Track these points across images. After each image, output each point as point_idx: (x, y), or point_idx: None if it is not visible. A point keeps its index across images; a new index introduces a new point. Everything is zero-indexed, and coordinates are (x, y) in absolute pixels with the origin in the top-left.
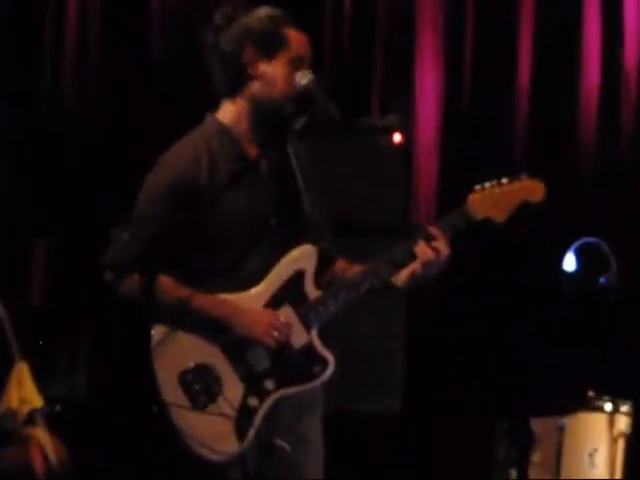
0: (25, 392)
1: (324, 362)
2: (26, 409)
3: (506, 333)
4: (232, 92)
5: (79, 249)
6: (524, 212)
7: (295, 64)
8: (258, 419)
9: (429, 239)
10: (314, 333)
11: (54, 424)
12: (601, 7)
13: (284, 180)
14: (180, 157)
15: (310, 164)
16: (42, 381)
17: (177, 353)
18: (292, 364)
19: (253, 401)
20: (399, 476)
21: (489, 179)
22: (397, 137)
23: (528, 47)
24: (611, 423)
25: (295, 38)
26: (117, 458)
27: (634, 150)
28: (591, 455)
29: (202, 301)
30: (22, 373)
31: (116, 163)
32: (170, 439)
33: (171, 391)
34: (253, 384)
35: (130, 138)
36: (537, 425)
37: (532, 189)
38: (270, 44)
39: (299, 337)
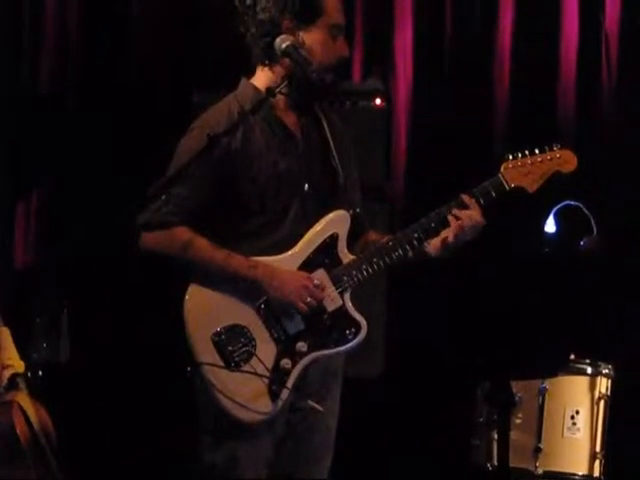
0: (7, 357)
1: (357, 326)
2: (8, 374)
3: (487, 296)
4: (268, 60)
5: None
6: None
7: (333, 32)
8: (291, 380)
9: (461, 207)
10: (347, 297)
11: (36, 389)
12: None
13: (318, 147)
14: (214, 120)
15: (342, 133)
16: (24, 346)
17: (211, 313)
18: (325, 327)
19: (286, 363)
20: (381, 439)
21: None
22: (378, 101)
23: (509, 8)
24: (592, 385)
25: (332, 5)
26: (101, 424)
27: (614, 112)
28: (572, 417)
29: (237, 263)
30: (4, 338)
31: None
32: (203, 398)
33: (205, 351)
34: (286, 346)
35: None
36: (518, 388)
37: (565, 159)
38: (308, 12)
39: (332, 300)
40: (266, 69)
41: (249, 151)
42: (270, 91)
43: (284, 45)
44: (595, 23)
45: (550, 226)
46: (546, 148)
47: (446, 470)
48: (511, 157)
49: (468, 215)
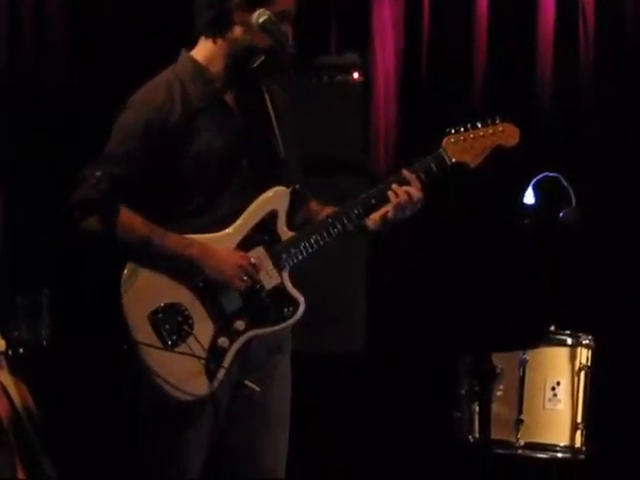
0: None
1: (295, 303)
2: None
3: (467, 268)
4: (213, 33)
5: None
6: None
7: (278, 18)
8: (228, 359)
9: (402, 182)
10: (285, 274)
11: (17, 367)
12: None
13: (258, 122)
14: (152, 96)
15: (285, 105)
16: (4, 325)
17: (148, 292)
18: (263, 305)
19: (223, 341)
20: (363, 412)
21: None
22: (356, 75)
23: None
24: (573, 356)
25: None
26: (82, 402)
27: (591, 86)
28: (553, 388)
29: (172, 241)
30: None
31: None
32: (139, 379)
33: (141, 330)
34: (224, 324)
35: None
36: (499, 360)
37: (507, 133)
38: None
39: (271, 278)
40: (209, 41)
41: (186, 127)
42: (248, 68)
43: (261, 19)
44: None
45: (529, 197)
46: (489, 121)
47: (428, 443)
48: (453, 131)
49: (407, 191)
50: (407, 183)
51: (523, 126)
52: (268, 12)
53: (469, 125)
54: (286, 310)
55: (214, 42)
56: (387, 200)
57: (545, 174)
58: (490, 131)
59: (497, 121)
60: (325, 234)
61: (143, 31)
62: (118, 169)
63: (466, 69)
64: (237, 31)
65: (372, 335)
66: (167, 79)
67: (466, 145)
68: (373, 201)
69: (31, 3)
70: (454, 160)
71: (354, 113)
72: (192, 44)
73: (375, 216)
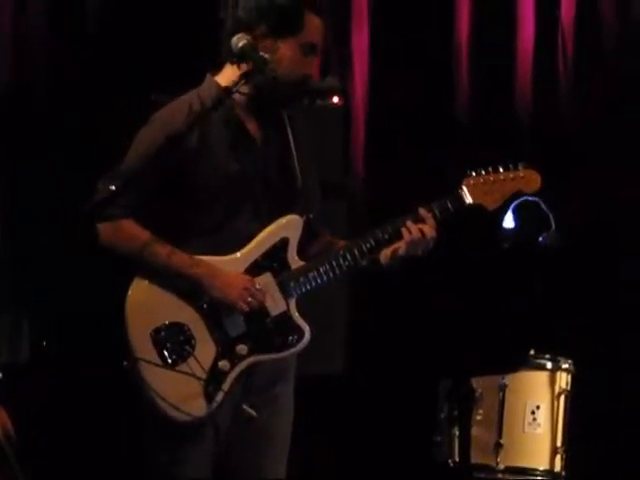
0: None
1: (300, 332)
2: None
3: (447, 292)
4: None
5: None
6: None
7: (305, 50)
8: (228, 383)
9: (417, 220)
10: (292, 303)
11: None
12: None
13: (277, 150)
14: (173, 115)
15: (306, 136)
16: None
17: (152, 309)
18: (267, 331)
19: (224, 364)
20: (343, 436)
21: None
22: (336, 99)
23: (466, 6)
24: (552, 380)
25: (312, 24)
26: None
27: (570, 105)
28: (533, 412)
29: (180, 260)
30: None
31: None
32: (139, 396)
33: (142, 346)
34: (226, 348)
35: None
36: (479, 383)
37: (527, 179)
38: (286, 25)
39: (277, 305)
40: (234, 66)
41: (204, 149)
42: (227, 90)
43: (240, 44)
44: (551, 17)
45: (509, 222)
46: (510, 166)
47: (408, 467)
48: (474, 173)
49: (421, 229)
50: (422, 221)
51: (502, 147)
52: (248, 37)
53: (490, 168)
54: (290, 338)
55: (239, 67)
56: (400, 236)
57: (524, 198)
58: (511, 176)
59: (519, 166)
60: (336, 266)
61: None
62: (133, 183)
63: (446, 94)
64: None
65: (352, 357)
66: (190, 101)
67: (486, 188)
68: (386, 236)
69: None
70: (472, 202)
71: (334, 137)
72: (218, 69)
73: (387, 251)
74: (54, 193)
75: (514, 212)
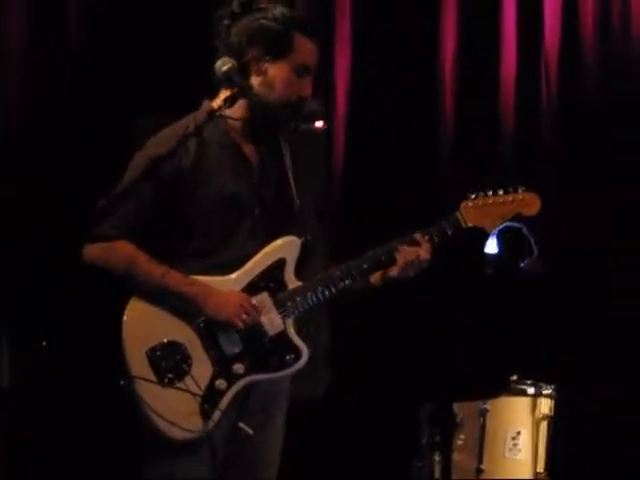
0: None
1: (297, 352)
2: None
3: (429, 317)
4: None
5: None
6: None
7: (299, 71)
8: (225, 402)
9: (412, 243)
10: (290, 322)
11: None
12: None
13: (274, 172)
14: (168, 137)
15: (301, 160)
16: None
17: (149, 328)
18: (264, 351)
19: (221, 383)
20: (324, 460)
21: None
22: (320, 123)
23: (451, 33)
24: (534, 406)
25: (304, 45)
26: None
27: (553, 129)
28: (514, 438)
29: (174, 279)
30: None
31: None
32: (136, 415)
33: (139, 365)
34: (223, 367)
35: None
36: (460, 409)
37: (527, 202)
38: (277, 46)
39: (274, 325)
40: (228, 92)
41: (199, 171)
42: (211, 114)
43: (224, 68)
44: (534, 45)
45: (491, 247)
46: (510, 189)
47: None
48: (472, 195)
49: (416, 253)
50: (417, 244)
51: (484, 172)
52: (232, 61)
53: (490, 191)
54: (287, 358)
55: (232, 93)
56: (394, 260)
57: (507, 224)
58: (510, 199)
59: (518, 189)
60: (332, 287)
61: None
62: (127, 205)
63: (428, 119)
64: (255, 82)
65: (332, 383)
66: (186, 125)
67: (484, 211)
68: (383, 258)
69: None
70: (470, 224)
71: (317, 161)
72: (216, 94)
73: (378, 274)
74: (38, 213)
75: (497, 237)
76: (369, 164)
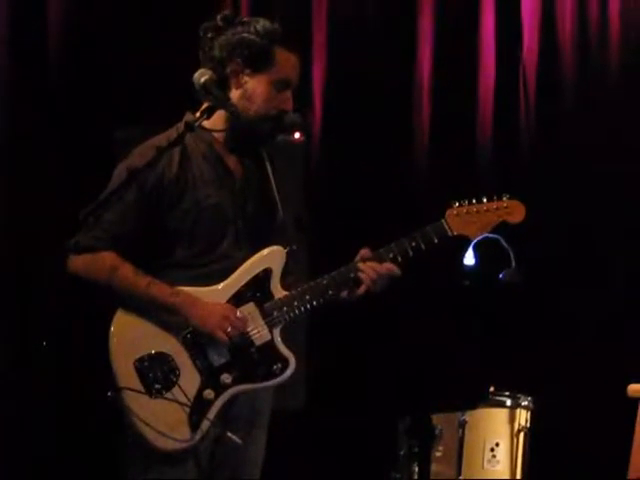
0: None
1: (285, 361)
2: None
3: (407, 329)
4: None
5: None
6: None
7: (278, 85)
8: (213, 412)
9: (377, 260)
10: (277, 332)
11: None
12: (496, 6)
13: (258, 186)
14: (151, 148)
15: (282, 171)
16: None
17: (136, 339)
18: (252, 361)
19: (209, 394)
20: (303, 472)
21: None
22: (297, 135)
23: (428, 44)
24: (512, 418)
25: (285, 59)
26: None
27: (532, 148)
28: (492, 449)
29: (159, 290)
30: None
31: None
32: (124, 426)
33: (126, 377)
34: (211, 377)
35: None
36: (438, 421)
37: (511, 210)
38: (257, 60)
39: (261, 335)
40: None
41: (182, 182)
42: (188, 125)
43: (202, 79)
44: (513, 57)
45: (469, 259)
46: (494, 197)
47: None
48: (457, 204)
49: (376, 271)
50: (380, 261)
51: (463, 187)
52: (209, 72)
53: (474, 199)
54: (275, 367)
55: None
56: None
57: (485, 236)
58: (495, 206)
59: (503, 197)
60: (319, 296)
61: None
62: (110, 216)
63: (405, 131)
64: (235, 95)
65: (311, 394)
66: (169, 136)
67: (469, 219)
68: (352, 275)
69: None
70: (456, 232)
71: (295, 172)
72: (198, 107)
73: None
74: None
75: (474, 249)
76: (346, 172)
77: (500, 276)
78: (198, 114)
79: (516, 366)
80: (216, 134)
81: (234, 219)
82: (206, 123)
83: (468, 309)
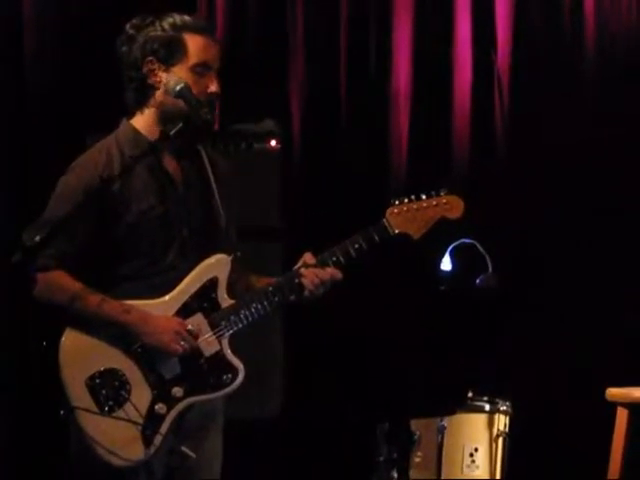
0: None
1: (234, 371)
2: None
3: (385, 335)
4: (138, 103)
5: None
6: None
7: (198, 70)
8: (165, 426)
9: (323, 264)
10: (225, 342)
11: None
12: (472, 12)
13: (199, 190)
14: (92, 161)
15: (226, 174)
16: None
17: (86, 357)
18: (202, 372)
19: (161, 408)
20: (281, 478)
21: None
22: (273, 142)
23: (405, 51)
24: (490, 423)
25: (195, 44)
26: None
27: (507, 150)
28: (471, 454)
29: (110, 307)
30: None
31: None
32: (76, 444)
33: (78, 395)
34: (162, 391)
35: None
36: (417, 426)
37: (451, 205)
38: (167, 53)
39: (210, 345)
40: (138, 112)
41: (127, 194)
42: (165, 135)
43: (178, 87)
44: (487, 63)
45: (446, 264)
46: (433, 193)
47: None
48: (397, 202)
49: (319, 277)
50: (323, 266)
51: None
52: (184, 81)
53: (413, 196)
54: (225, 377)
55: (142, 112)
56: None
57: (462, 241)
58: (434, 203)
59: (441, 193)
60: (266, 303)
61: None
62: (59, 234)
63: (383, 139)
64: (159, 95)
65: (288, 401)
66: (108, 146)
67: (409, 216)
68: (296, 280)
69: None
70: (397, 231)
71: (271, 180)
72: (132, 113)
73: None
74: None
75: (451, 254)
76: (323, 178)
77: (477, 281)
78: (176, 127)
79: (494, 371)
80: (152, 139)
81: (179, 229)
82: (139, 127)
83: (445, 313)
